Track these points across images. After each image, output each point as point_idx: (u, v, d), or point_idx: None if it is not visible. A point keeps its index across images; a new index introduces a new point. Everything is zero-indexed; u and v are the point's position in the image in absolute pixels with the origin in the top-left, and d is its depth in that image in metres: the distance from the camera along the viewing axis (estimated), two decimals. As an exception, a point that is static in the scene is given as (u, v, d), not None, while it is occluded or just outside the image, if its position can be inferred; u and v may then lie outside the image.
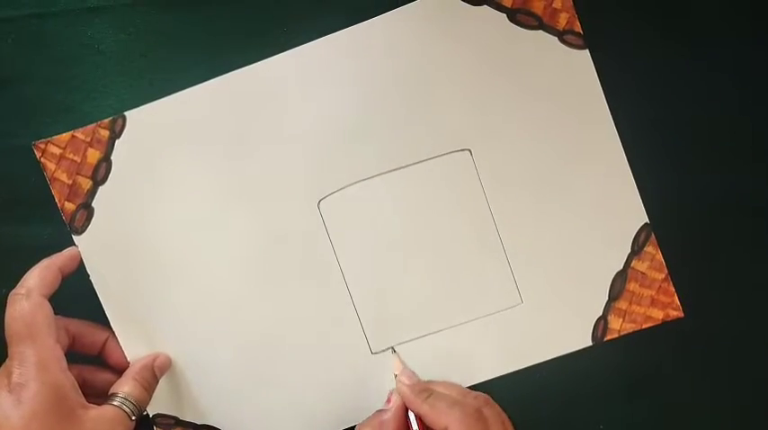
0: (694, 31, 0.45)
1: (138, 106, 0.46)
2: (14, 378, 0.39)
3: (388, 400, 0.45)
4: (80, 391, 0.41)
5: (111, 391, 0.44)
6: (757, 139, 0.46)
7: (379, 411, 0.45)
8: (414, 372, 0.46)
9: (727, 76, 0.45)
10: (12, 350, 0.40)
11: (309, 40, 0.45)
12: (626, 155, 0.45)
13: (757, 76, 0.46)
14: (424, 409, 0.42)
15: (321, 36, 0.45)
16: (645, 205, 0.45)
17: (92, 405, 0.41)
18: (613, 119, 0.44)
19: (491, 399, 0.43)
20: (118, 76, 0.47)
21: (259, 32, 0.46)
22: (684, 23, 0.45)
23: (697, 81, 0.45)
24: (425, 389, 0.44)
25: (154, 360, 0.46)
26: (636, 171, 0.45)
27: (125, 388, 0.43)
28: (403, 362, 0.46)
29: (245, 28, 0.46)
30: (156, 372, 0.45)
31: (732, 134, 0.45)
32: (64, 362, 0.41)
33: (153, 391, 0.45)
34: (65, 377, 0.41)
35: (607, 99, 0.44)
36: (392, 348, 0.46)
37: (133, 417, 0.43)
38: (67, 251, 0.45)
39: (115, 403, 0.42)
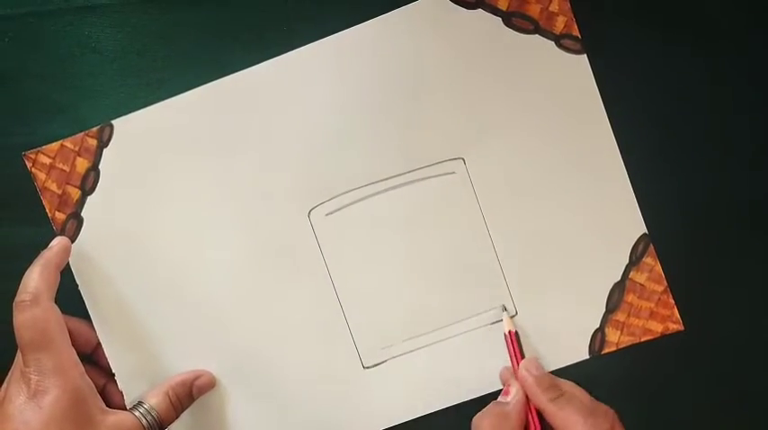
0: (694, 35, 0.44)
1: (133, 105, 0.45)
2: (33, 385, 0.39)
3: (506, 392, 0.42)
4: (98, 395, 0.41)
5: (140, 399, 0.43)
6: (759, 148, 0.44)
7: (497, 403, 0.42)
8: (538, 360, 0.43)
9: (728, 81, 0.44)
10: (27, 358, 0.40)
11: (308, 40, 0.44)
12: (624, 163, 0.43)
13: (759, 81, 0.44)
14: (551, 409, 0.39)
15: (320, 35, 0.44)
16: (643, 215, 0.43)
17: (112, 410, 0.41)
18: (611, 126, 0.43)
19: (618, 419, 0.40)
20: (114, 74, 0.46)
21: (257, 31, 0.45)
22: (684, 28, 0.44)
23: (697, 87, 0.44)
24: (554, 386, 0.41)
25: (195, 378, 0.44)
26: (634, 180, 0.43)
27: (153, 399, 0.43)
28: (513, 326, 0.43)
29: (243, 27, 0.45)
30: (193, 391, 0.44)
31: (734, 142, 0.44)
32: (81, 367, 0.41)
33: (182, 411, 0.44)
34: (83, 382, 0.40)
35: (605, 105, 0.43)
36: (503, 305, 0.44)
37: None
38: (57, 244, 0.44)
39: (137, 413, 0.42)
